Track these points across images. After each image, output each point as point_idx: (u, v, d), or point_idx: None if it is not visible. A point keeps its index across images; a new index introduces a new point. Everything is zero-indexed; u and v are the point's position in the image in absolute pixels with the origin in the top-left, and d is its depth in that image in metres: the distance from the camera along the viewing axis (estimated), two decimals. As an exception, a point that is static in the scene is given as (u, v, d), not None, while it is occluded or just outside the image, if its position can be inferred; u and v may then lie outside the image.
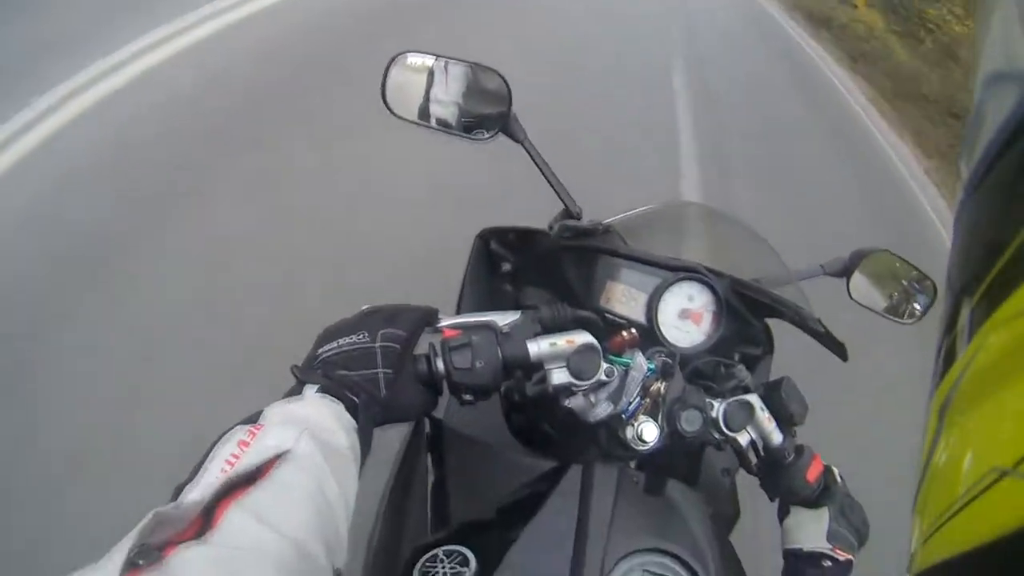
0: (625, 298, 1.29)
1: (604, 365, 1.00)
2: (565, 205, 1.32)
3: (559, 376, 0.98)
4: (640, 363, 1.02)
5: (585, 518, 0.90)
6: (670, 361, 1.05)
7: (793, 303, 1.32)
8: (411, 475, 1.26)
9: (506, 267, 1.43)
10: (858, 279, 1.64)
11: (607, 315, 1.28)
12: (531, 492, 1.03)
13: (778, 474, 1.13)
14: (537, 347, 0.97)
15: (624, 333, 1.04)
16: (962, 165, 0.36)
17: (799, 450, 1.10)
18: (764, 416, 1.14)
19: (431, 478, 1.23)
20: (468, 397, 0.95)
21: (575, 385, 0.99)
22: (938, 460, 0.34)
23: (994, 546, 0.26)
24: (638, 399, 1.04)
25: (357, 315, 0.94)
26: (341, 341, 0.84)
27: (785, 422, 1.16)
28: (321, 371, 0.80)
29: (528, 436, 1.25)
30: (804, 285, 1.49)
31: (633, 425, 1.03)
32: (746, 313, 1.35)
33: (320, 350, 0.84)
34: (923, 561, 0.33)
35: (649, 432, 1.02)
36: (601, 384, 1.01)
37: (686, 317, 1.29)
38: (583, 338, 0.99)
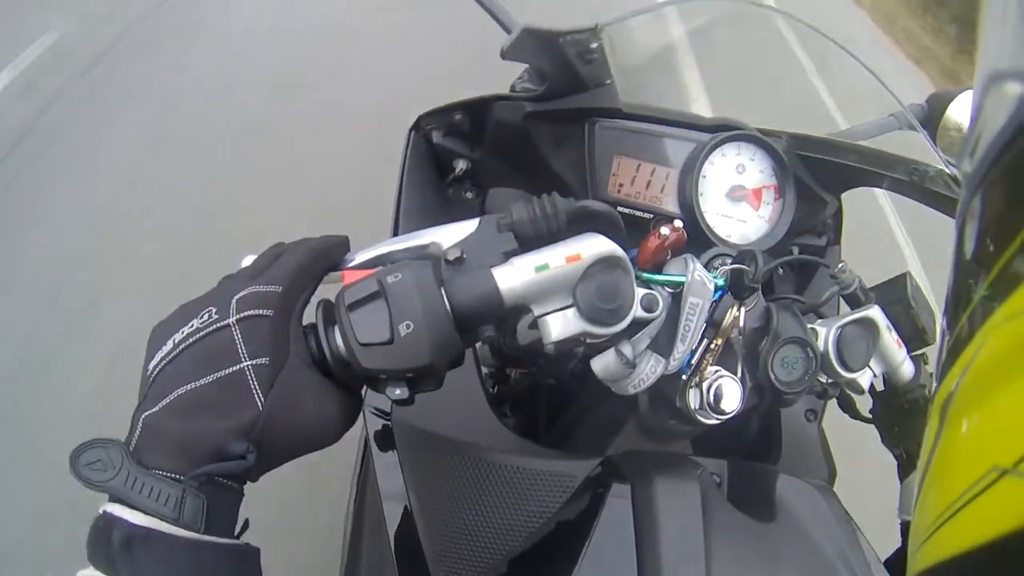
0: (645, 179, 0.84)
1: (640, 292, 0.56)
2: (499, 22, 0.86)
3: (562, 324, 0.54)
4: (700, 279, 0.58)
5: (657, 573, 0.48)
6: (748, 268, 0.61)
7: (896, 155, 0.88)
8: (363, 504, 0.84)
9: (460, 166, 0.98)
10: (946, 127, 1.20)
11: (622, 209, 0.83)
12: (544, 527, 0.61)
13: (905, 420, 0.77)
14: (513, 276, 0.53)
15: (663, 230, 0.59)
16: (962, 165, 0.36)
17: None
18: (892, 339, 0.72)
19: (387, 510, 0.78)
20: (398, 392, 0.51)
21: (592, 336, 0.55)
22: (938, 460, 0.34)
23: (994, 546, 0.26)
24: (703, 341, 0.60)
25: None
26: (178, 337, 0.49)
27: (914, 343, 0.74)
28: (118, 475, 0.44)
29: (525, 420, 0.82)
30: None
31: (699, 387, 0.60)
32: (814, 185, 0.90)
33: (150, 366, 0.49)
34: (923, 561, 0.33)
35: (730, 394, 0.59)
36: (637, 326, 0.56)
37: (739, 198, 0.86)
38: (596, 246, 0.54)
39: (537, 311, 0.54)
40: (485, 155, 0.97)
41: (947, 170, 0.90)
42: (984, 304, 0.31)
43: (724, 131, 0.85)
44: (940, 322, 0.40)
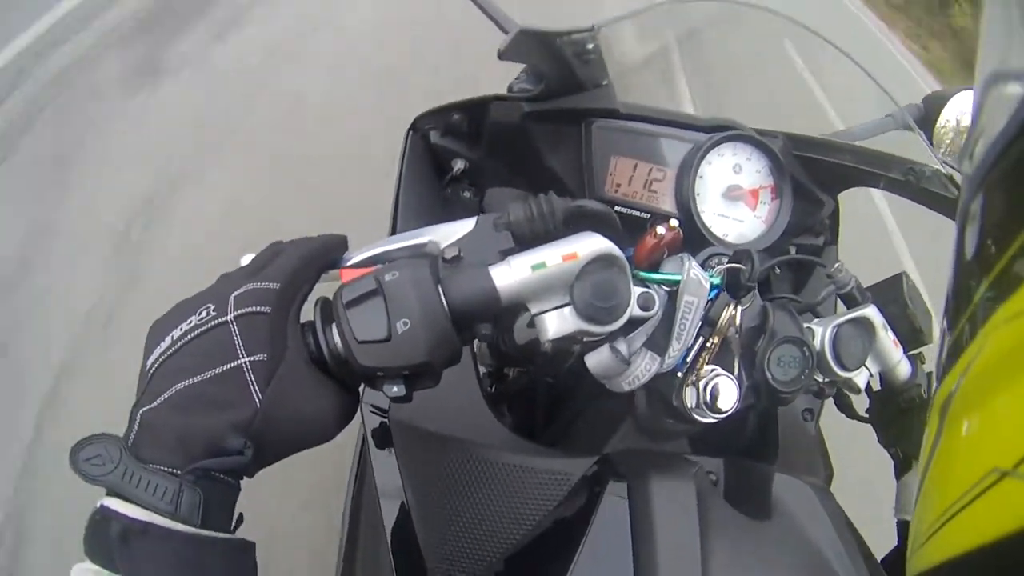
0: (642, 179, 0.84)
1: (637, 290, 0.56)
2: (496, 23, 0.86)
3: (558, 322, 0.54)
4: (696, 277, 0.58)
5: (652, 573, 0.48)
6: (744, 267, 0.61)
7: (892, 155, 0.88)
8: (360, 502, 0.83)
9: (457, 166, 0.98)
10: (942, 127, 1.20)
11: (619, 208, 0.83)
12: (541, 525, 0.61)
13: (902, 420, 0.77)
14: (510, 275, 0.53)
15: (659, 228, 0.59)
16: (963, 165, 0.36)
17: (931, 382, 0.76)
18: (888, 338, 0.72)
19: (384, 508, 0.78)
20: (395, 389, 0.51)
21: (588, 335, 0.55)
22: (938, 461, 0.34)
23: (994, 546, 0.26)
24: (699, 340, 0.60)
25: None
26: (176, 333, 0.49)
27: (911, 342, 0.74)
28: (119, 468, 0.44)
29: (522, 419, 0.82)
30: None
31: (695, 385, 0.60)
32: (811, 185, 0.90)
33: (149, 361, 0.49)
34: (923, 561, 0.33)
35: (727, 393, 0.59)
36: (633, 324, 0.56)
37: (736, 198, 0.85)
38: (593, 245, 0.54)
39: (534, 309, 0.54)
40: (483, 155, 0.97)
41: (943, 170, 0.90)
42: (984, 305, 0.31)
43: (721, 131, 0.85)
44: (937, 323, 0.41)
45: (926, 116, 1.21)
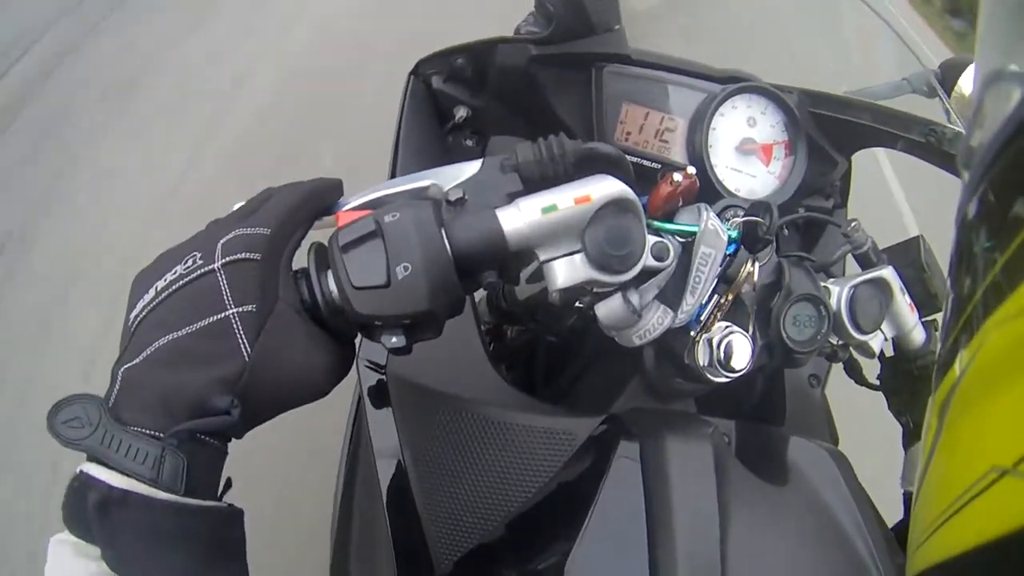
0: (654, 128, 0.81)
1: (651, 239, 0.53)
2: None
3: (569, 270, 0.51)
4: (714, 228, 0.55)
5: (669, 537, 0.45)
6: (763, 221, 0.58)
7: (913, 115, 0.84)
8: (356, 462, 0.81)
9: (460, 113, 0.94)
10: (959, 94, 1.17)
11: (629, 157, 0.80)
12: (546, 486, 0.59)
13: (914, 387, 0.74)
14: (519, 218, 0.49)
15: (676, 176, 0.55)
16: (963, 165, 0.36)
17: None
18: (904, 302, 0.69)
19: (381, 468, 0.75)
20: (394, 340, 0.48)
21: (599, 284, 0.52)
22: (938, 460, 0.34)
23: (994, 546, 0.26)
24: (714, 296, 0.58)
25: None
26: (160, 284, 0.46)
27: (926, 308, 0.73)
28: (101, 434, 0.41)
29: (521, 379, 0.79)
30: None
31: (708, 342, 0.57)
32: (825, 144, 0.87)
33: (132, 315, 0.46)
34: (923, 561, 0.33)
35: (740, 352, 0.57)
36: (646, 275, 0.53)
37: (749, 152, 0.82)
38: (607, 188, 0.51)
39: (543, 256, 0.51)
40: (487, 101, 0.93)
41: (964, 133, 0.87)
42: (984, 303, 0.31)
43: (735, 82, 0.82)
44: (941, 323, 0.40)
45: (942, 81, 1.18)
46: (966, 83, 1.14)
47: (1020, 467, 0.25)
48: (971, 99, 1.17)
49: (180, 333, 0.43)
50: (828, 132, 0.88)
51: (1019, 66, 0.32)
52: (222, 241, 0.46)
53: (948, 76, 1.17)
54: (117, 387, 0.42)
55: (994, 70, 0.34)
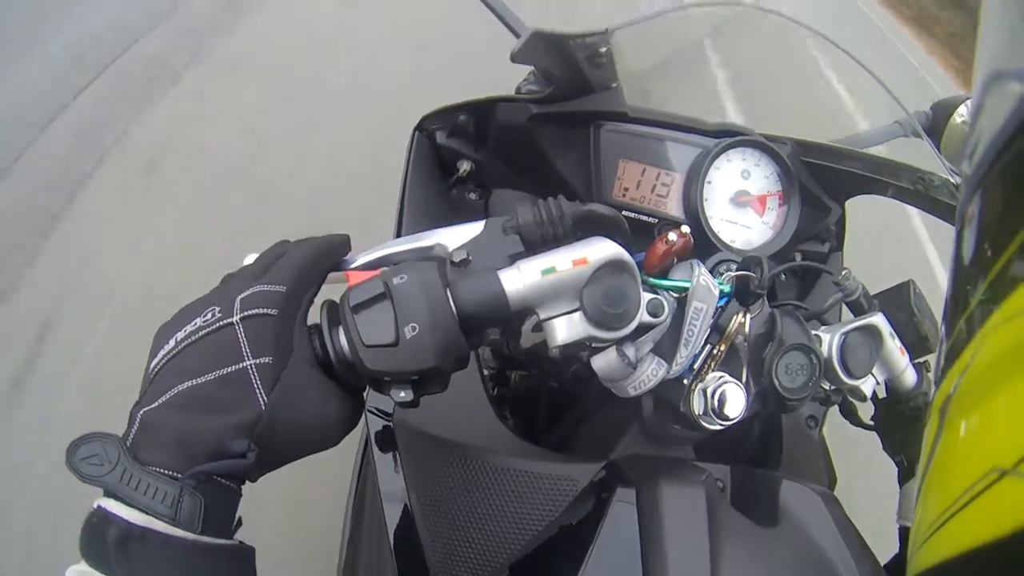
0: (650, 184, 0.84)
1: (646, 296, 0.55)
2: (507, 26, 0.85)
3: (568, 327, 0.54)
4: (706, 284, 0.57)
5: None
6: (753, 275, 0.61)
7: (901, 163, 0.87)
8: (363, 505, 0.82)
9: (464, 167, 0.98)
10: (951, 135, 1.19)
11: (626, 213, 0.83)
12: (547, 531, 0.61)
13: (907, 427, 0.77)
14: (520, 279, 0.52)
15: (671, 235, 0.58)
16: (963, 165, 0.36)
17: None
18: (895, 346, 0.72)
19: (388, 511, 0.77)
20: (402, 394, 0.50)
21: (597, 340, 0.54)
22: (938, 461, 0.34)
23: (994, 546, 0.26)
24: (706, 347, 0.60)
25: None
26: (180, 335, 0.48)
27: (917, 350, 0.75)
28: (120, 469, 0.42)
29: (524, 423, 0.81)
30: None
31: (702, 392, 0.60)
32: (819, 192, 0.90)
33: (153, 363, 0.48)
34: (923, 561, 0.33)
35: (734, 400, 0.59)
36: (641, 330, 0.56)
37: (743, 204, 0.85)
38: (603, 250, 0.54)
39: (543, 315, 0.53)
40: (489, 156, 0.96)
41: (952, 179, 0.90)
42: (982, 306, 0.31)
43: (729, 136, 0.85)
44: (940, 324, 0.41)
45: (934, 123, 1.21)
46: (959, 119, 1.17)
47: (1020, 468, 0.25)
48: (965, 133, 1.20)
49: (199, 380, 0.45)
50: (821, 180, 0.91)
51: (1017, 67, 0.32)
52: (240, 296, 0.48)
53: (940, 115, 1.20)
54: (136, 428, 0.44)
55: (993, 71, 0.34)
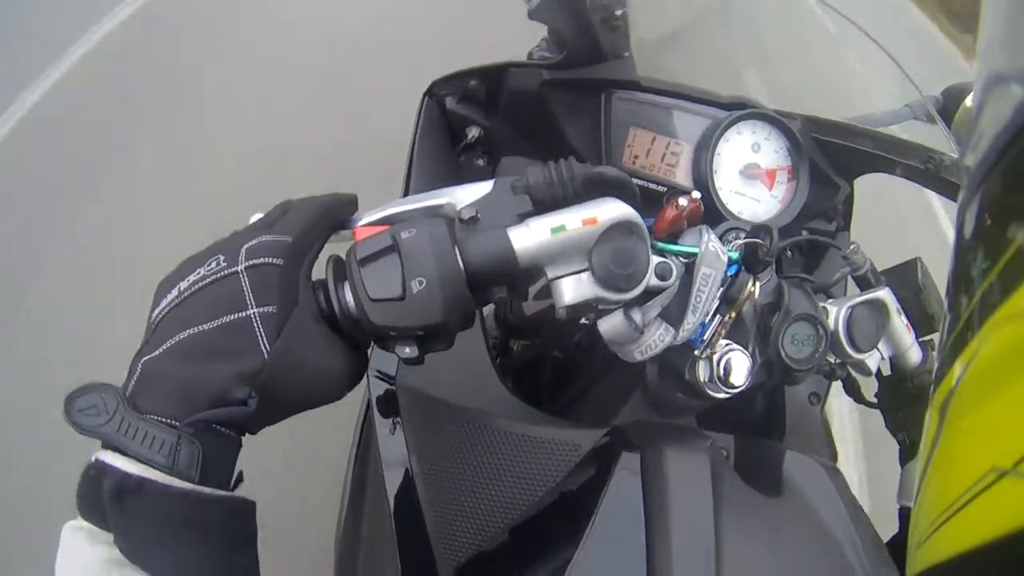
0: (660, 152, 0.83)
1: (655, 259, 0.55)
2: None
3: (575, 287, 0.53)
4: (714, 250, 0.57)
5: (666, 545, 0.47)
6: (763, 243, 0.60)
7: (912, 142, 0.86)
8: (363, 470, 0.82)
9: (472, 133, 0.97)
10: (961, 120, 1.18)
11: (635, 180, 0.83)
12: (549, 495, 0.61)
13: (910, 406, 0.76)
14: (529, 236, 0.52)
15: (681, 200, 0.58)
16: (963, 165, 0.38)
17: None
18: (901, 322, 0.71)
19: (388, 476, 0.77)
20: (407, 351, 0.50)
21: (604, 302, 0.54)
22: (938, 460, 0.34)
23: (994, 546, 0.26)
24: (716, 315, 0.60)
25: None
26: (183, 285, 0.47)
27: (923, 328, 0.74)
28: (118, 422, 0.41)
29: (527, 392, 0.81)
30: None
31: (708, 359, 0.59)
32: (828, 169, 0.89)
33: (155, 313, 0.47)
34: (923, 561, 0.33)
35: (739, 368, 0.59)
36: (649, 294, 0.56)
37: (752, 177, 0.84)
38: (614, 210, 0.53)
39: (551, 274, 0.53)
40: (498, 123, 0.95)
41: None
42: (983, 304, 0.31)
43: (740, 109, 0.84)
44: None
45: (945, 107, 1.20)
46: (970, 103, 1.16)
47: (1020, 468, 0.25)
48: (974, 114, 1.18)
49: (202, 328, 0.44)
50: (830, 157, 0.90)
51: (1020, 66, 0.32)
52: (246, 246, 0.48)
53: (950, 101, 1.19)
54: (136, 378, 0.43)
55: (995, 70, 0.34)
